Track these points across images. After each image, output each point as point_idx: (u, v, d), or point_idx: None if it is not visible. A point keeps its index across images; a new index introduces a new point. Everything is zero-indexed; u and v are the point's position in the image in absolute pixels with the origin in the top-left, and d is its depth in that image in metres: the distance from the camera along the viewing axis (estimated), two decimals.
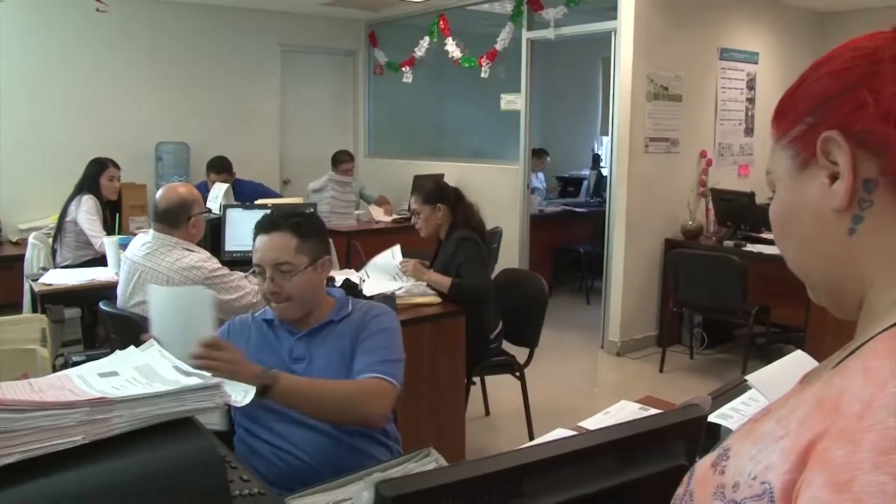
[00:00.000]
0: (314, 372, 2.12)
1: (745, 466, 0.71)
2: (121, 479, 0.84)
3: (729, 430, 1.44)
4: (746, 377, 1.42)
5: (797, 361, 1.46)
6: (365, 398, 2.04)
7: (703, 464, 0.80)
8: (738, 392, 1.55)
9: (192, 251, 3.26)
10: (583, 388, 5.45)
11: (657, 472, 1.04)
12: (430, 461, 1.91)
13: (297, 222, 2.23)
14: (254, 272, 2.27)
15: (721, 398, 1.50)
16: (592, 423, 2.11)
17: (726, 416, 1.42)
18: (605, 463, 1.00)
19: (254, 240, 2.25)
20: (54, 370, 2.20)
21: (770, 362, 4.41)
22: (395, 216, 6.95)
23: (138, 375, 1.08)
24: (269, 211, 2.34)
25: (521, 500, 0.90)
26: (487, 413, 4.68)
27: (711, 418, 1.40)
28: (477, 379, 4.26)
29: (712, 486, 0.75)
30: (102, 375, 1.08)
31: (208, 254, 3.31)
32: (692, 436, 1.13)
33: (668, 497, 1.08)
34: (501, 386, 4.58)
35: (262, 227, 2.24)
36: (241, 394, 1.08)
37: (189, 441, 0.92)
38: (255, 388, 1.11)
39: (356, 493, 0.95)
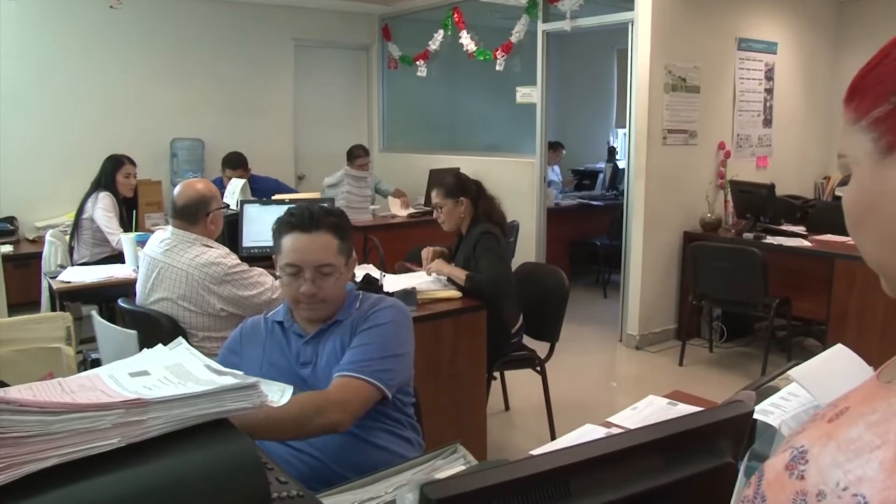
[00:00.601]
0: (319, 374, 2.09)
1: (832, 474, 0.66)
2: (159, 482, 0.82)
3: (767, 425, 1.41)
4: (789, 372, 1.39)
5: (839, 356, 1.42)
6: (322, 410, 1.91)
7: (775, 466, 0.75)
8: (776, 388, 1.51)
9: (212, 247, 3.24)
10: (602, 382, 5.42)
11: (703, 470, 1.02)
12: (457, 457, 1.88)
13: (337, 223, 2.15)
14: (284, 272, 2.11)
15: (759, 393, 1.47)
16: (621, 418, 2.08)
17: (766, 411, 1.38)
18: (652, 462, 0.97)
19: (282, 236, 2.12)
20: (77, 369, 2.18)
21: (791, 356, 4.35)
22: (411, 210, 6.93)
23: (170, 375, 1.05)
24: (294, 206, 2.18)
25: (568, 500, 0.87)
26: (507, 408, 4.66)
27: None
28: (497, 374, 4.23)
29: (790, 491, 0.70)
30: (133, 375, 1.05)
31: (227, 250, 3.30)
32: (737, 433, 1.10)
33: (714, 496, 1.05)
34: (520, 380, 4.55)
35: (299, 226, 2.11)
36: (278, 393, 1.05)
37: (227, 443, 0.89)
38: (292, 387, 1.08)
39: (399, 493, 0.93)
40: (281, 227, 2.14)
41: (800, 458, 0.71)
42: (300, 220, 2.11)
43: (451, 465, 1.83)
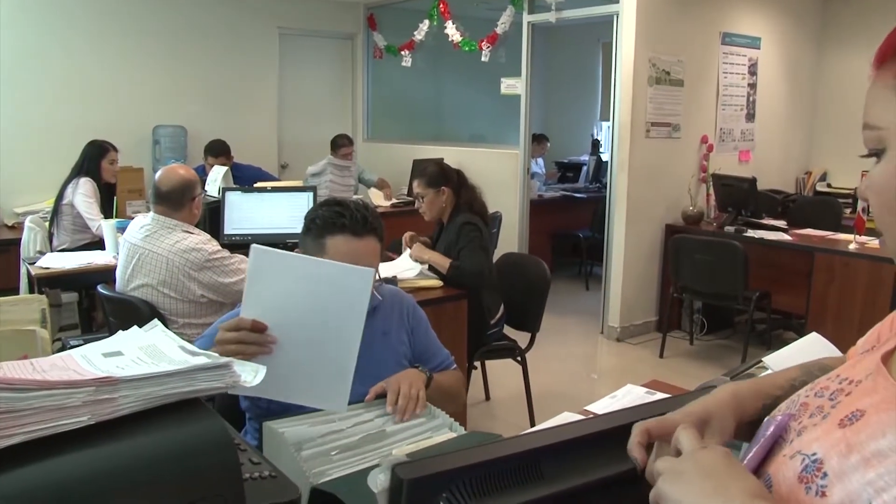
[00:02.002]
0: (368, 363, 2.01)
1: (861, 493, 0.60)
2: (127, 461, 0.81)
3: None
4: (763, 359, 1.40)
5: (813, 344, 1.44)
6: (460, 388, 2.27)
7: (786, 476, 0.68)
8: (752, 375, 1.53)
9: (192, 233, 3.23)
10: (583, 373, 5.44)
11: None
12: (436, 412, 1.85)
13: (380, 226, 2.05)
14: None
15: (735, 380, 1.48)
16: (599, 407, 2.08)
17: None
18: (625, 446, 0.97)
19: (328, 236, 1.98)
20: (53, 354, 2.16)
21: (770, 348, 4.40)
22: (394, 200, 6.92)
23: (143, 355, 1.05)
24: (339, 205, 2.02)
25: (540, 482, 0.88)
26: (487, 398, 4.66)
27: None
28: (477, 363, 4.24)
29: None
30: (107, 355, 1.05)
31: (208, 236, 3.29)
32: None
33: None
34: (501, 371, 4.56)
35: (352, 229, 1.97)
36: (252, 374, 1.04)
37: (198, 422, 0.89)
38: (265, 367, 1.07)
39: (371, 474, 0.93)
40: (327, 226, 1.98)
41: (815, 469, 0.65)
42: (353, 222, 1.98)
43: (432, 420, 1.80)
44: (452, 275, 3.66)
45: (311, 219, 2.03)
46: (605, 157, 8.21)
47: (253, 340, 1.56)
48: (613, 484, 0.94)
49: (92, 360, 1.02)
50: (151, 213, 3.29)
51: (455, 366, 2.30)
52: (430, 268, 3.75)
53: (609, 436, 0.96)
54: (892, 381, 0.68)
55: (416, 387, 1.81)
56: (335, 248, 1.95)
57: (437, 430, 1.71)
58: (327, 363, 1.58)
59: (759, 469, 0.75)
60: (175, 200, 3.25)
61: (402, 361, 2.14)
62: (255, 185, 4.92)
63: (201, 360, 0.98)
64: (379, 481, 0.86)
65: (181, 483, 0.82)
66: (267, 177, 6.55)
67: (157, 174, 3.39)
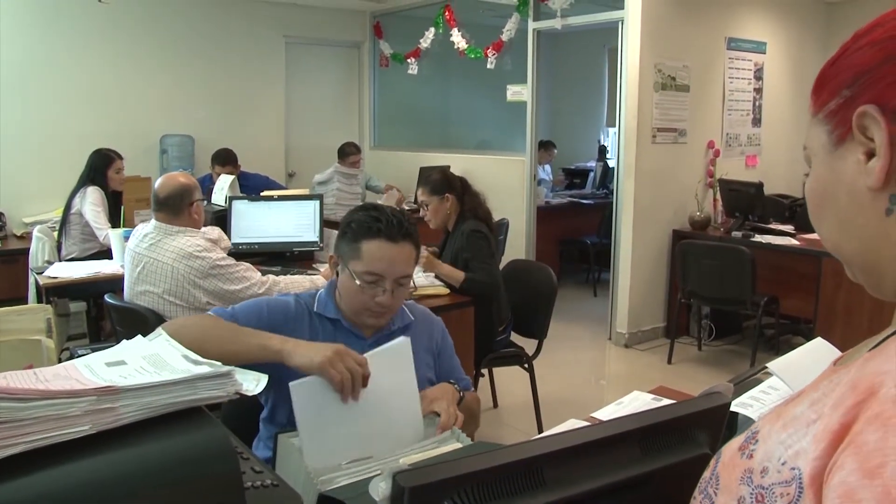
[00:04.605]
0: None
1: (775, 451, 0.68)
2: (128, 469, 0.82)
3: (748, 419, 1.42)
4: (767, 364, 1.39)
5: (818, 349, 1.43)
6: (479, 410, 2.23)
7: (731, 447, 0.78)
8: (758, 381, 1.52)
9: (195, 240, 3.23)
10: (591, 379, 5.42)
11: (680, 461, 1.02)
12: (430, 420, 1.84)
13: (415, 232, 2.02)
14: (362, 279, 1.95)
15: (741, 386, 1.47)
16: (605, 413, 2.08)
17: (746, 404, 1.39)
18: (628, 452, 0.97)
19: (364, 240, 1.95)
20: (59, 363, 2.17)
21: (779, 354, 4.39)
22: (403, 207, 6.92)
23: (146, 364, 1.05)
24: (375, 210, 2.02)
25: (542, 489, 0.87)
26: (495, 405, 4.66)
27: (731, 407, 1.37)
28: (485, 371, 4.23)
29: (739, 470, 0.72)
30: (110, 365, 1.05)
31: (212, 242, 3.29)
32: (715, 424, 1.10)
33: (690, 486, 1.05)
34: (509, 378, 4.56)
35: (387, 234, 1.95)
36: (253, 382, 1.04)
37: (199, 430, 0.89)
38: (266, 376, 1.07)
39: (373, 483, 0.92)
40: (362, 231, 1.97)
41: (751, 438, 0.74)
42: (388, 227, 1.95)
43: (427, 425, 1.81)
44: (467, 287, 3.65)
45: (346, 223, 2.02)
46: (611, 163, 8.21)
47: (354, 382, 1.66)
48: (616, 490, 0.94)
49: (95, 369, 1.02)
50: (153, 222, 3.29)
51: (472, 389, 2.28)
52: (438, 277, 3.75)
53: (611, 442, 0.96)
54: (831, 368, 0.78)
55: (454, 407, 1.88)
56: (370, 254, 1.94)
57: (443, 441, 1.72)
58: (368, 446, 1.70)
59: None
60: (174, 206, 3.25)
61: (423, 384, 2.08)
62: (261, 194, 4.94)
63: (203, 369, 0.98)
64: (380, 489, 0.86)
65: (182, 491, 0.82)
66: (274, 185, 6.56)
67: (157, 182, 3.40)
